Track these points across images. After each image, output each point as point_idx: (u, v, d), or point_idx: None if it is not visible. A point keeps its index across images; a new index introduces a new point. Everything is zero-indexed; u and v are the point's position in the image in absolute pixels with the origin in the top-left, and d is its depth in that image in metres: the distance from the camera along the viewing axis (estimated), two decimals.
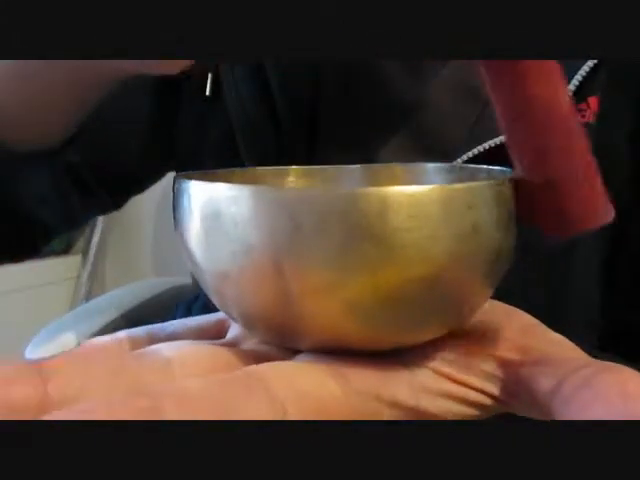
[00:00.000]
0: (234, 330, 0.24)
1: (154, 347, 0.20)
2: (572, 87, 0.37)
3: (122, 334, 0.22)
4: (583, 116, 0.38)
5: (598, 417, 0.17)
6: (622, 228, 0.39)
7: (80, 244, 1.45)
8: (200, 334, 0.24)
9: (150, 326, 0.24)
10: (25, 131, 0.42)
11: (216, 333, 0.24)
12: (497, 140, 0.37)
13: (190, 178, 0.21)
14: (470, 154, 0.38)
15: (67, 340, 0.63)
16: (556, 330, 0.22)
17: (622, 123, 0.38)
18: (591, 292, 0.40)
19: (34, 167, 0.45)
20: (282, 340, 0.21)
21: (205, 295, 0.22)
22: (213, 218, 0.19)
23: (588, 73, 0.37)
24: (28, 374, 0.17)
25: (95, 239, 1.42)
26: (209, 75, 0.46)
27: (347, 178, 0.28)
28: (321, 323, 0.19)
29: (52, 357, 0.19)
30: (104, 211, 0.56)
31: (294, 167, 0.28)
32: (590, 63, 0.36)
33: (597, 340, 0.40)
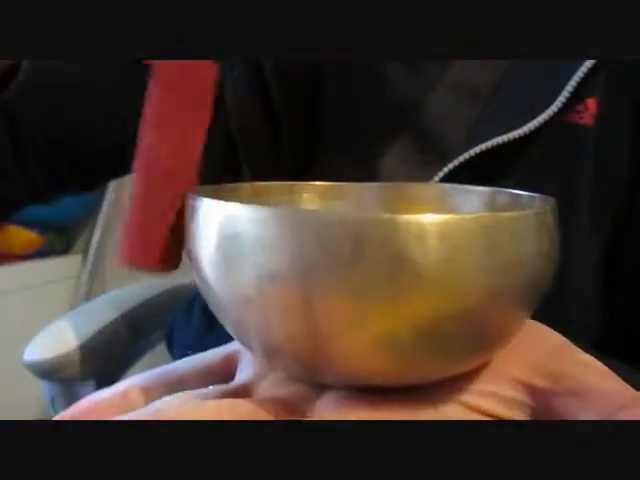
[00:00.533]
0: (246, 369, 0.22)
1: (160, 407, 0.18)
2: (570, 88, 0.37)
3: (127, 385, 0.21)
4: (581, 118, 0.38)
5: None
6: (620, 229, 0.39)
7: (80, 244, 1.45)
8: (208, 375, 0.23)
9: (155, 371, 0.22)
10: None
11: (224, 371, 0.23)
12: (497, 140, 0.37)
13: (204, 195, 0.19)
14: (467, 156, 0.38)
15: (67, 340, 0.63)
16: (555, 330, 0.22)
17: (621, 125, 0.38)
18: (589, 293, 0.40)
19: None
20: (307, 374, 0.20)
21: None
22: (234, 241, 0.18)
23: (586, 74, 0.37)
24: None
25: (95, 239, 1.42)
26: None
27: (367, 197, 0.27)
28: (350, 357, 0.18)
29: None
30: (74, 191, 0.55)
31: (308, 183, 0.27)
32: (588, 64, 0.36)
33: (595, 341, 0.40)
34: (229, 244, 0.18)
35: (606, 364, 0.20)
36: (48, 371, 0.60)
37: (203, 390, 0.20)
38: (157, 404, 0.19)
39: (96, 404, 0.20)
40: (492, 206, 0.25)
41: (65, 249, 1.44)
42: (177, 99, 0.21)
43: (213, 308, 0.20)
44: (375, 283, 0.17)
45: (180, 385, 0.22)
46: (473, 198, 0.26)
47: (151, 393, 0.21)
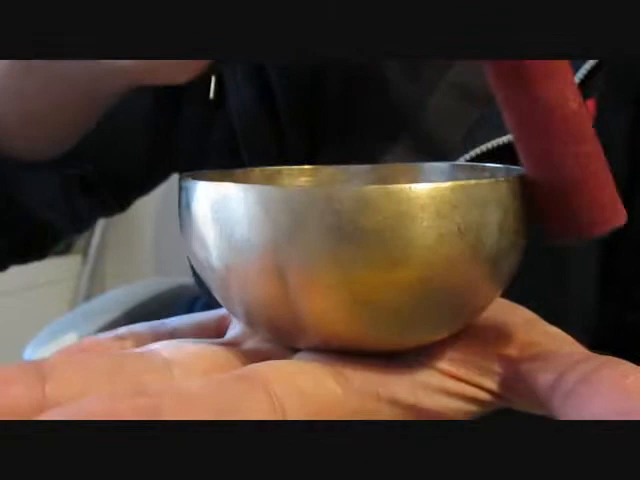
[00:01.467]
0: (235, 329, 0.24)
1: (153, 347, 0.20)
2: None
3: (124, 330, 0.23)
4: None
5: (597, 412, 0.17)
6: (618, 232, 0.39)
7: (80, 244, 1.45)
8: (201, 331, 0.24)
9: (152, 322, 0.24)
10: (28, 144, 0.42)
11: (217, 331, 0.24)
12: (496, 142, 0.37)
13: (194, 177, 0.21)
14: (468, 156, 0.38)
15: (67, 340, 0.63)
16: None
17: (619, 125, 0.38)
18: (587, 293, 0.40)
19: (40, 172, 0.45)
20: (283, 338, 0.21)
21: (207, 296, 0.23)
22: (214, 216, 0.20)
23: (585, 76, 0.37)
24: (26, 374, 0.17)
25: (95, 239, 1.42)
26: (212, 78, 0.46)
27: (355, 179, 0.28)
28: (319, 321, 0.19)
29: (51, 357, 0.19)
30: (110, 214, 0.56)
31: (308, 167, 0.28)
32: (587, 66, 0.36)
33: (592, 341, 0.40)
34: (211, 219, 0.20)
35: None
36: None
37: (191, 339, 0.22)
38: (146, 347, 0.20)
39: (94, 344, 0.22)
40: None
41: (65, 249, 1.44)
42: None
43: (205, 280, 0.22)
44: (318, 253, 0.18)
45: (173, 337, 0.23)
46: (459, 174, 0.27)
47: (144, 341, 0.22)
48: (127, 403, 0.15)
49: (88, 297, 1.39)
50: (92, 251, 1.42)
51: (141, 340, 0.22)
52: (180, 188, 0.22)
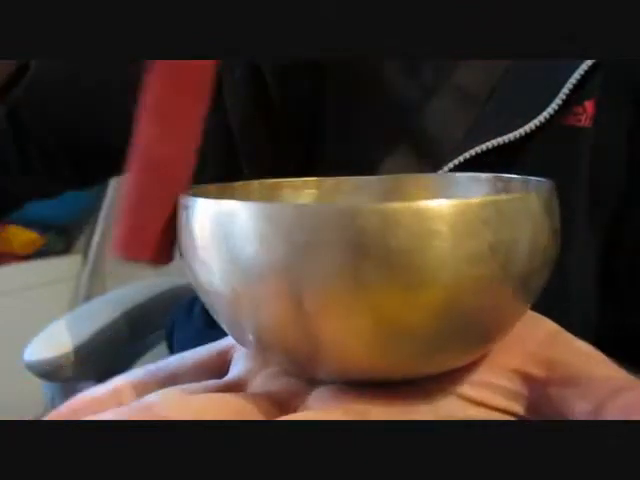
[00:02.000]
0: (239, 364, 0.22)
1: (152, 401, 0.18)
2: (567, 90, 0.37)
3: (120, 381, 0.21)
4: (579, 120, 0.38)
5: None
6: (619, 230, 0.39)
7: (80, 244, 1.45)
8: (202, 371, 0.22)
9: (148, 367, 0.22)
10: None
11: (219, 366, 0.23)
12: (493, 142, 0.37)
13: (194, 194, 0.20)
14: (468, 155, 0.38)
15: (67, 340, 0.63)
16: None
17: (619, 126, 0.38)
18: (588, 293, 0.40)
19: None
20: (299, 367, 0.20)
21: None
22: (219, 236, 0.18)
23: (583, 76, 0.37)
24: None
25: (95, 239, 1.42)
26: None
27: (367, 191, 0.27)
28: (338, 347, 0.18)
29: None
30: (72, 186, 0.56)
31: (311, 178, 0.27)
32: (585, 66, 0.36)
33: (594, 340, 0.40)
34: (217, 240, 0.18)
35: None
36: (48, 371, 0.60)
37: (194, 385, 0.20)
38: (145, 399, 0.19)
39: (89, 401, 0.20)
40: (491, 193, 0.25)
41: (65, 249, 1.44)
42: (175, 85, 0.21)
43: (208, 306, 0.20)
44: (339, 274, 0.17)
45: (173, 381, 0.22)
46: (476, 186, 0.25)
47: (143, 389, 0.21)
48: None
49: (88, 297, 1.39)
50: (92, 251, 1.42)
51: (139, 390, 0.21)
52: (179, 208, 0.20)
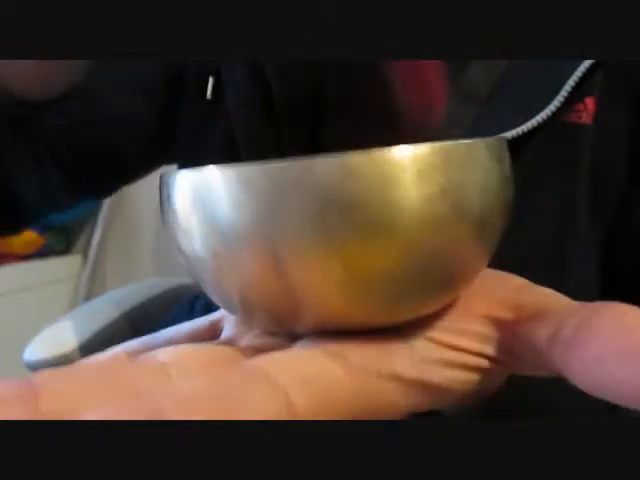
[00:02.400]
0: (229, 329, 0.23)
1: (147, 353, 0.20)
2: (569, 88, 0.37)
3: (117, 348, 0.22)
4: (580, 117, 0.38)
5: (600, 354, 0.17)
6: (620, 227, 0.39)
7: (80, 244, 1.45)
8: (194, 339, 0.23)
9: (144, 337, 0.23)
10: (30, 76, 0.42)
11: (211, 335, 0.24)
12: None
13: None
14: None
15: (67, 340, 0.63)
16: None
17: (620, 123, 0.38)
18: (588, 290, 0.40)
19: (19, 144, 0.45)
20: (280, 322, 0.21)
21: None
22: (195, 203, 0.19)
23: (585, 74, 0.37)
24: (17, 393, 0.16)
25: (95, 239, 1.42)
26: (210, 79, 0.46)
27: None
28: (314, 297, 0.19)
29: (42, 372, 0.18)
30: (88, 196, 0.56)
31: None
32: (587, 63, 0.37)
33: None
34: (191, 208, 0.19)
35: None
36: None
37: (190, 344, 0.21)
38: (147, 353, 0.20)
39: (86, 360, 0.21)
40: None
41: (65, 249, 1.44)
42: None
43: (192, 274, 0.21)
44: (305, 226, 0.18)
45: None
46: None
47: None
48: (126, 411, 0.15)
49: (88, 297, 1.39)
50: (92, 251, 1.42)
51: (135, 354, 0.22)
52: (160, 184, 0.21)
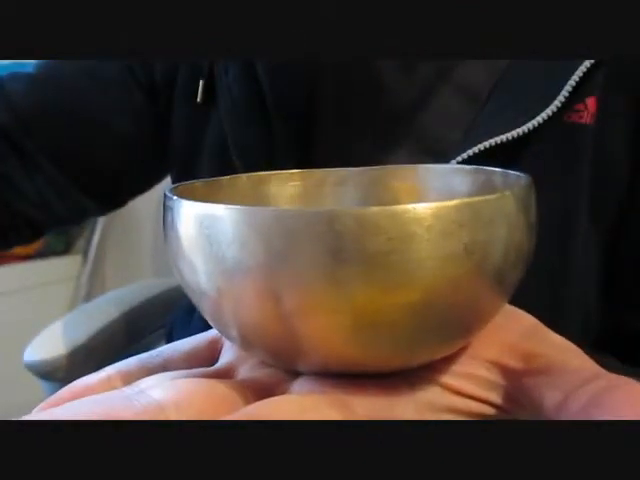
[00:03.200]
0: (228, 353, 0.23)
1: (143, 386, 0.19)
2: (569, 87, 0.37)
3: (111, 370, 0.21)
4: (581, 117, 0.38)
5: None
6: (620, 229, 0.39)
7: (80, 244, 1.45)
8: (193, 359, 0.23)
9: (140, 356, 0.22)
10: None
11: (209, 355, 0.23)
12: (495, 140, 0.37)
13: (179, 193, 0.20)
14: (465, 155, 0.38)
15: (67, 340, 0.63)
16: (554, 331, 0.22)
17: (620, 123, 0.38)
18: (588, 293, 0.40)
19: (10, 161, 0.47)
20: (282, 362, 0.20)
21: None
22: (203, 238, 0.18)
23: (585, 74, 0.37)
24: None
25: (95, 239, 1.42)
26: (200, 82, 0.46)
27: (352, 183, 0.27)
28: (318, 345, 0.19)
29: (36, 410, 0.17)
30: (90, 212, 0.56)
31: (297, 171, 0.27)
32: (587, 64, 0.36)
33: (594, 342, 0.40)
34: (198, 242, 0.19)
35: (604, 363, 0.20)
36: (48, 371, 0.61)
37: (183, 372, 0.21)
38: (135, 384, 0.19)
39: (80, 390, 0.21)
40: (473, 186, 0.25)
41: (65, 249, 1.44)
42: None
43: (194, 303, 0.21)
44: (317, 276, 0.17)
45: (164, 369, 0.22)
46: (458, 177, 0.26)
47: (135, 377, 0.21)
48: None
49: (88, 297, 1.39)
50: (92, 251, 1.42)
51: (130, 378, 0.21)
52: (164, 207, 0.20)
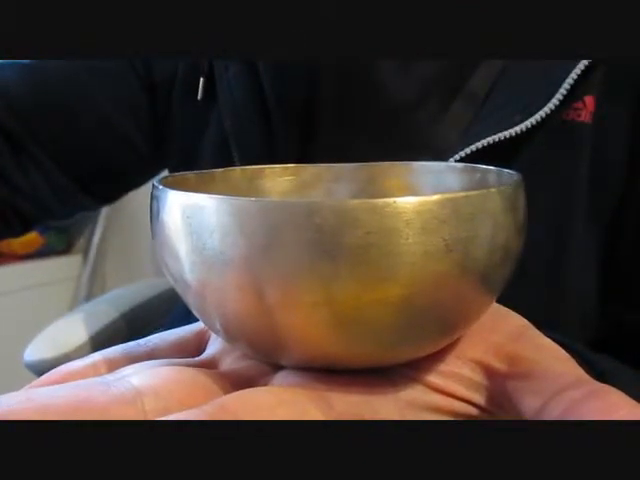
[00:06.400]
0: (214, 344, 0.23)
1: (125, 372, 0.19)
2: (567, 86, 0.37)
3: (98, 356, 0.21)
4: (579, 115, 0.38)
5: None
6: (618, 227, 0.39)
7: (80, 244, 1.45)
8: (180, 349, 0.23)
9: (127, 344, 0.22)
10: None
11: (196, 346, 0.23)
12: (492, 139, 0.37)
13: (167, 184, 0.20)
14: (463, 153, 0.38)
15: (67, 340, 0.63)
16: (552, 330, 0.22)
17: (618, 122, 0.38)
18: (586, 292, 0.40)
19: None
20: (264, 355, 0.20)
21: None
22: (186, 228, 0.18)
23: (584, 72, 0.37)
24: None
25: (95, 239, 1.42)
26: (201, 79, 0.46)
27: (346, 179, 0.27)
28: (300, 339, 0.18)
29: (12, 394, 0.17)
30: (85, 205, 0.56)
31: (291, 165, 0.27)
32: (586, 62, 0.36)
33: (593, 340, 0.40)
34: (181, 232, 0.18)
35: (602, 362, 0.20)
36: (48, 371, 0.60)
37: (166, 360, 0.21)
38: (119, 371, 0.19)
39: (65, 374, 0.20)
40: (467, 183, 0.25)
41: (65, 249, 1.44)
42: None
43: (179, 294, 0.21)
44: (297, 269, 0.17)
45: (150, 358, 0.22)
46: (452, 175, 0.25)
47: (120, 364, 0.21)
48: None
49: (88, 297, 1.39)
50: (92, 251, 1.42)
51: (116, 365, 0.21)
52: (151, 196, 0.20)
